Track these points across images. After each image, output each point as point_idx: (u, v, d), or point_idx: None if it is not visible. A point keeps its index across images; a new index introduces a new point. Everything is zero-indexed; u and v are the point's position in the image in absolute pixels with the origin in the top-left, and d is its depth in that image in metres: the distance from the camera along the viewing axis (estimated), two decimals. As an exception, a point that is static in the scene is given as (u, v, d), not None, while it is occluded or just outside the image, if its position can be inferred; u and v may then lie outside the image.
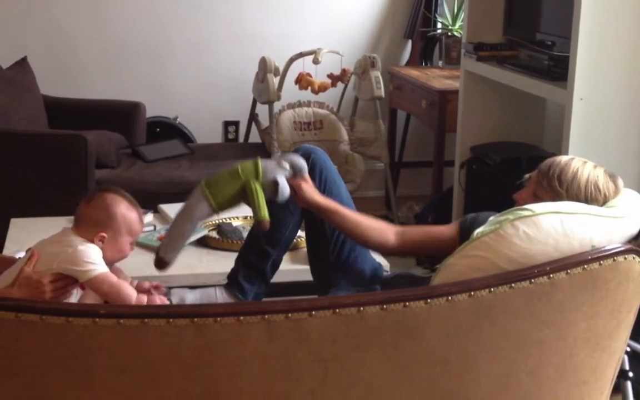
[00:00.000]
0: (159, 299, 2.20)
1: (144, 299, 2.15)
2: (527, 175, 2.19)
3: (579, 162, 2.08)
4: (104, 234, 2.13)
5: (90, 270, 2.07)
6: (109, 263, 2.16)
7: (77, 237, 2.12)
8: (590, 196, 2.02)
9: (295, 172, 2.30)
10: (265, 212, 2.20)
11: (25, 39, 4.93)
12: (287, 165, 2.28)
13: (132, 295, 2.12)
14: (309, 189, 2.33)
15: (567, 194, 2.03)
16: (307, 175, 2.33)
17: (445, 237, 2.34)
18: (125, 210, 2.17)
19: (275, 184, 2.23)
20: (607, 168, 2.10)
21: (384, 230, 2.37)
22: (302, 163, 2.31)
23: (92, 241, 2.12)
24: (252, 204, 2.21)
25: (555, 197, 2.02)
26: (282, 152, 2.32)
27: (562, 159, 2.12)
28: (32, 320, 1.46)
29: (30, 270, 2.08)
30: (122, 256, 2.21)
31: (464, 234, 2.27)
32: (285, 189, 2.24)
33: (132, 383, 1.52)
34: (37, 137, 3.99)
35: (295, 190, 2.30)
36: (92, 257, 2.09)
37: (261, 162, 2.24)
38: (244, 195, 2.24)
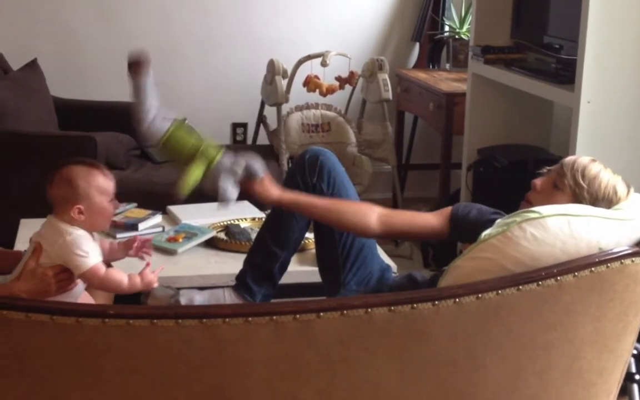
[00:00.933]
0: (151, 275, 2.15)
1: (137, 280, 2.12)
2: (546, 168, 2.21)
3: (600, 165, 2.12)
4: (79, 206, 2.08)
5: (80, 265, 2.06)
6: (100, 229, 2.16)
7: (60, 223, 2.09)
8: (607, 197, 2.06)
9: (248, 176, 2.27)
10: (187, 188, 2.20)
11: (36, 41, 4.96)
12: (239, 170, 2.25)
13: (123, 281, 2.10)
14: (264, 191, 2.30)
15: (588, 189, 2.06)
16: (262, 176, 2.29)
17: (434, 225, 2.32)
18: (87, 176, 2.11)
19: (216, 185, 2.23)
20: (614, 170, 2.13)
21: (364, 213, 2.33)
22: (256, 167, 2.27)
23: (72, 219, 2.08)
24: (184, 173, 2.21)
25: (577, 187, 2.06)
26: (243, 153, 2.30)
27: (585, 158, 2.15)
28: (42, 320, 1.47)
29: (34, 264, 2.07)
30: (108, 217, 2.17)
31: (455, 224, 2.28)
32: (225, 193, 2.22)
33: (141, 383, 1.52)
34: (47, 138, 4.00)
35: (248, 193, 2.29)
36: (81, 247, 2.06)
37: (222, 155, 2.23)
38: (188, 161, 2.23)
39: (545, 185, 2.14)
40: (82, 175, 2.11)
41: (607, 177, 2.09)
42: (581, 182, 2.07)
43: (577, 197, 2.06)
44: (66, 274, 2.10)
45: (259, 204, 2.40)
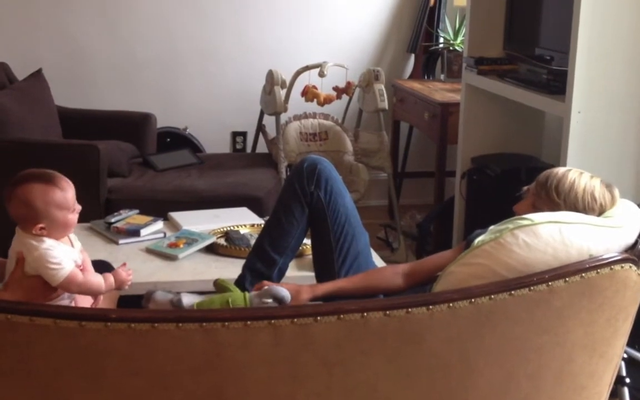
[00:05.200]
0: (124, 274, 2.16)
1: (111, 280, 2.11)
2: (525, 188, 2.22)
3: (575, 173, 2.11)
4: (40, 225, 2.04)
5: (54, 276, 2.02)
6: (62, 237, 2.11)
7: (27, 238, 2.05)
8: (587, 206, 2.05)
9: (280, 302, 2.30)
10: None
11: (40, 51, 5.01)
12: (269, 301, 2.30)
13: (100, 285, 2.09)
14: (299, 301, 2.35)
15: (565, 204, 2.06)
16: (290, 298, 2.30)
17: (452, 260, 2.36)
18: (43, 195, 2.05)
19: None
20: (604, 179, 2.12)
21: (391, 279, 2.43)
22: (283, 293, 2.28)
23: (36, 235, 2.04)
24: None
25: (554, 207, 2.05)
26: (261, 291, 2.34)
27: (559, 170, 2.15)
28: (46, 324, 1.49)
29: (20, 274, 2.04)
30: (71, 226, 2.12)
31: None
32: None
33: (142, 385, 1.54)
34: (51, 146, 4.02)
35: None
36: (51, 260, 2.02)
37: (248, 299, 2.27)
38: None
39: (526, 208, 2.13)
40: (39, 195, 2.05)
41: (583, 185, 2.07)
42: (556, 199, 2.07)
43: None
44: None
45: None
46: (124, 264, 2.24)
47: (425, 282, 2.40)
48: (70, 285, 2.05)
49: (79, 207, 2.15)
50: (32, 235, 2.06)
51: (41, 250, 2.04)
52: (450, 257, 2.37)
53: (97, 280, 2.11)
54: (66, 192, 2.10)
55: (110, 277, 2.13)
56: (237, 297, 2.29)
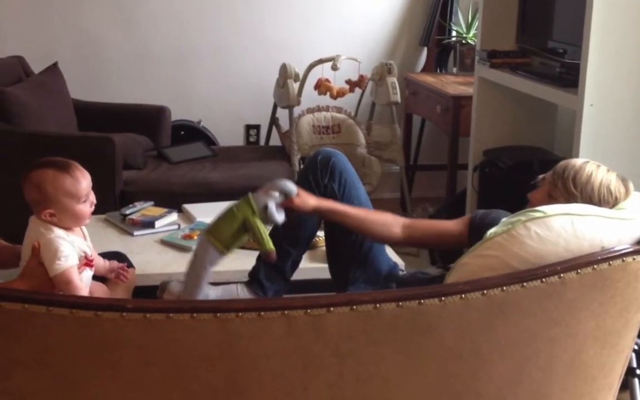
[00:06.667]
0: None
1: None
2: (541, 176, 2.22)
3: (592, 166, 2.12)
4: (50, 211, 2.08)
5: (53, 266, 2.05)
6: (75, 227, 2.13)
7: (39, 224, 2.09)
8: (603, 199, 2.06)
9: (285, 195, 2.35)
10: (269, 244, 2.23)
11: (57, 45, 5.05)
12: (276, 193, 2.33)
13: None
14: (302, 202, 2.38)
15: (581, 196, 2.07)
16: (297, 191, 2.37)
17: (454, 232, 2.37)
18: (53, 181, 2.09)
19: (266, 210, 2.28)
20: (617, 171, 2.13)
21: (390, 224, 2.43)
22: (289, 186, 2.35)
23: (46, 220, 2.08)
24: (255, 238, 2.26)
25: (570, 198, 2.06)
26: (270, 182, 2.36)
27: (577, 162, 2.15)
28: (63, 314, 1.50)
29: (35, 263, 2.07)
30: (81, 218, 2.15)
31: (474, 229, 2.31)
32: (273, 214, 2.28)
33: (157, 375, 1.55)
34: (67, 139, 4.06)
35: (291, 209, 2.36)
36: (59, 249, 2.06)
37: (252, 197, 2.29)
38: (247, 231, 2.28)
39: (541, 197, 2.15)
40: (50, 180, 2.08)
41: (600, 178, 2.09)
42: (573, 190, 2.09)
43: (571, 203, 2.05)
44: None
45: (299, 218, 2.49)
46: (123, 268, 2.33)
47: (422, 241, 2.45)
48: (60, 283, 2.06)
49: (93, 200, 2.16)
50: (43, 222, 2.09)
51: (48, 238, 2.07)
52: (452, 227, 2.38)
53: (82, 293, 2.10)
54: (78, 181, 2.12)
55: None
56: (242, 203, 2.28)
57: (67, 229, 2.14)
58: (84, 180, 2.14)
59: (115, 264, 2.38)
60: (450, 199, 4.62)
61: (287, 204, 2.35)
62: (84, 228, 2.23)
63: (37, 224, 2.10)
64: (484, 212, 2.37)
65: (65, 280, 2.07)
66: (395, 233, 2.42)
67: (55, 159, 2.14)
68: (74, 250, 2.12)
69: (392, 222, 2.44)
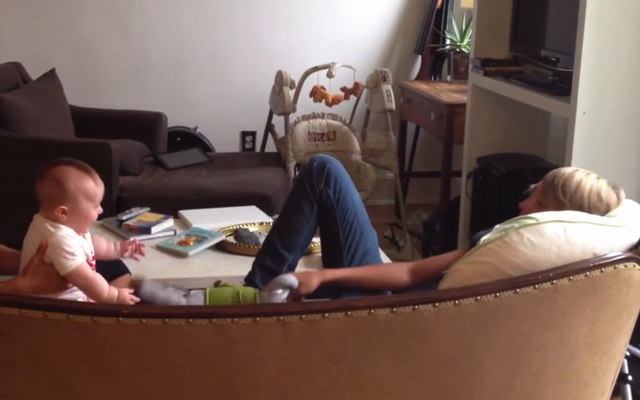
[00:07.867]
0: (129, 298, 2.14)
1: (114, 293, 2.09)
2: (532, 186, 2.23)
3: (582, 174, 2.13)
4: (64, 207, 2.06)
5: (66, 265, 2.03)
6: (79, 231, 2.12)
7: (45, 223, 2.07)
8: (593, 206, 2.06)
9: (289, 289, 2.37)
10: None
11: (54, 52, 5.06)
12: (279, 291, 2.35)
13: (104, 289, 2.07)
14: (306, 287, 2.41)
15: (571, 204, 2.07)
16: (298, 283, 2.38)
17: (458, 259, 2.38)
18: (76, 179, 2.09)
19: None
20: (609, 179, 2.13)
21: (397, 275, 2.48)
22: (290, 280, 2.37)
23: (55, 218, 2.06)
24: None
25: (559, 206, 2.07)
26: (269, 285, 2.39)
27: (567, 170, 2.16)
28: (59, 319, 1.51)
29: (39, 260, 2.06)
30: (89, 222, 2.14)
31: (472, 246, 2.31)
32: None
33: (153, 380, 1.56)
34: (64, 145, 4.07)
35: (296, 299, 2.38)
36: (65, 248, 2.04)
37: (258, 295, 2.33)
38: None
39: (532, 206, 2.15)
40: (73, 177, 2.09)
41: (590, 186, 2.09)
42: (562, 198, 2.09)
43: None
44: None
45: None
46: (140, 246, 2.30)
47: (430, 280, 2.42)
48: (77, 278, 2.05)
49: (100, 209, 2.17)
50: (50, 221, 2.07)
51: (57, 236, 2.06)
52: (455, 257, 2.39)
53: (102, 283, 2.09)
54: (98, 186, 2.14)
55: (114, 290, 2.11)
56: (248, 292, 2.32)
57: (74, 229, 2.13)
58: (101, 187, 2.16)
59: (127, 242, 2.34)
60: (444, 205, 4.64)
61: (293, 298, 2.37)
62: (87, 234, 2.24)
63: (44, 221, 2.09)
64: (481, 233, 2.38)
65: (82, 276, 2.06)
66: (403, 280, 2.46)
67: (77, 161, 2.16)
68: (82, 249, 2.12)
69: (397, 271, 2.49)
